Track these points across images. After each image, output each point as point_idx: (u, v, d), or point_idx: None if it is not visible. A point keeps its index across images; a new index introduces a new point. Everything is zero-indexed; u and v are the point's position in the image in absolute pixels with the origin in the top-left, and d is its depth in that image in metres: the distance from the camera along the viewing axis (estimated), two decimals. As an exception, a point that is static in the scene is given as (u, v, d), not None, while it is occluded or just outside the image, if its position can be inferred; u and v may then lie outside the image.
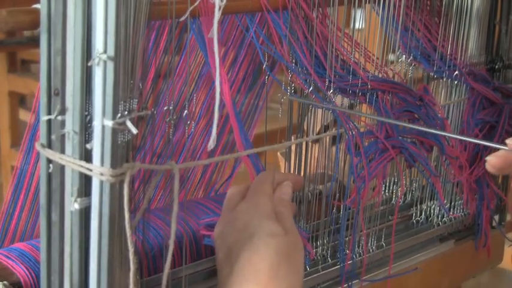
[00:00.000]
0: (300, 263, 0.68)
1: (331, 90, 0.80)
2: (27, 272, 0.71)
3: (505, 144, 0.71)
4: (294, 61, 0.79)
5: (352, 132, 0.80)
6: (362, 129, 0.81)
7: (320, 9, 0.79)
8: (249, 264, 0.65)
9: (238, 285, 0.64)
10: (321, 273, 0.86)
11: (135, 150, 0.61)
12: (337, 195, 0.86)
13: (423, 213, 1.01)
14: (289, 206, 0.72)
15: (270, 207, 0.69)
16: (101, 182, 0.56)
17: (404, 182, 1.01)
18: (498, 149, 0.72)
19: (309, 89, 0.79)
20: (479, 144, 0.95)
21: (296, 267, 0.67)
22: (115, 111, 0.55)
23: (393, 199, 1.00)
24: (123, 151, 0.57)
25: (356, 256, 0.87)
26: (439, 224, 1.01)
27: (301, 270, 0.68)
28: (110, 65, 0.54)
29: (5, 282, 0.69)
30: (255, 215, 0.68)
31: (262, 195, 0.71)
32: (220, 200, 0.88)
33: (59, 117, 0.57)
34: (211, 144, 0.70)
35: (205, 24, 0.70)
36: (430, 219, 1.01)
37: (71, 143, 0.57)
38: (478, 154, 0.95)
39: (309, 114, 0.83)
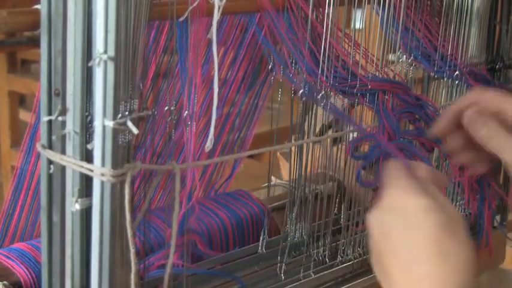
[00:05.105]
0: (465, 237, 0.66)
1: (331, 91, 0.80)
2: (27, 272, 0.71)
3: None
4: (293, 61, 0.79)
5: (353, 134, 0.79)
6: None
7: (320, 9, 0.79)
8: (410, 242, 0.62)
9: (405, 265, 0.62)
10: (323, 273, 0.86)
11: (135, 149, 0.61)
12: (338, 196, 0.86)
13: (424, 213, 1.00)
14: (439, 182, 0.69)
15: (417, 185, 0.65)
16: (102, 183, 0.56)
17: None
18: None
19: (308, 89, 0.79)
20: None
21: (460, 241, 0.65)
22: (116, 112, 0.55)
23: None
24: (124, 151, 0.57)
25: (357, 257, 0.87)
26: (440, 224, 1.00)
27: (467, 245, 0.66)
28: (111, 65, 0.54)
29: (5, 282, 0.69)
30: (405, 198, 0.64)
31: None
32: (220, 200, 0.87)
33: (60, 118, 0.57)
34: (208, 145, 0.70)
35: (197, 26, 0.69)
36: (431, 219, 1.01)
37: (72, 144, 0.57)
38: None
39: (310, 113, 0.82)
